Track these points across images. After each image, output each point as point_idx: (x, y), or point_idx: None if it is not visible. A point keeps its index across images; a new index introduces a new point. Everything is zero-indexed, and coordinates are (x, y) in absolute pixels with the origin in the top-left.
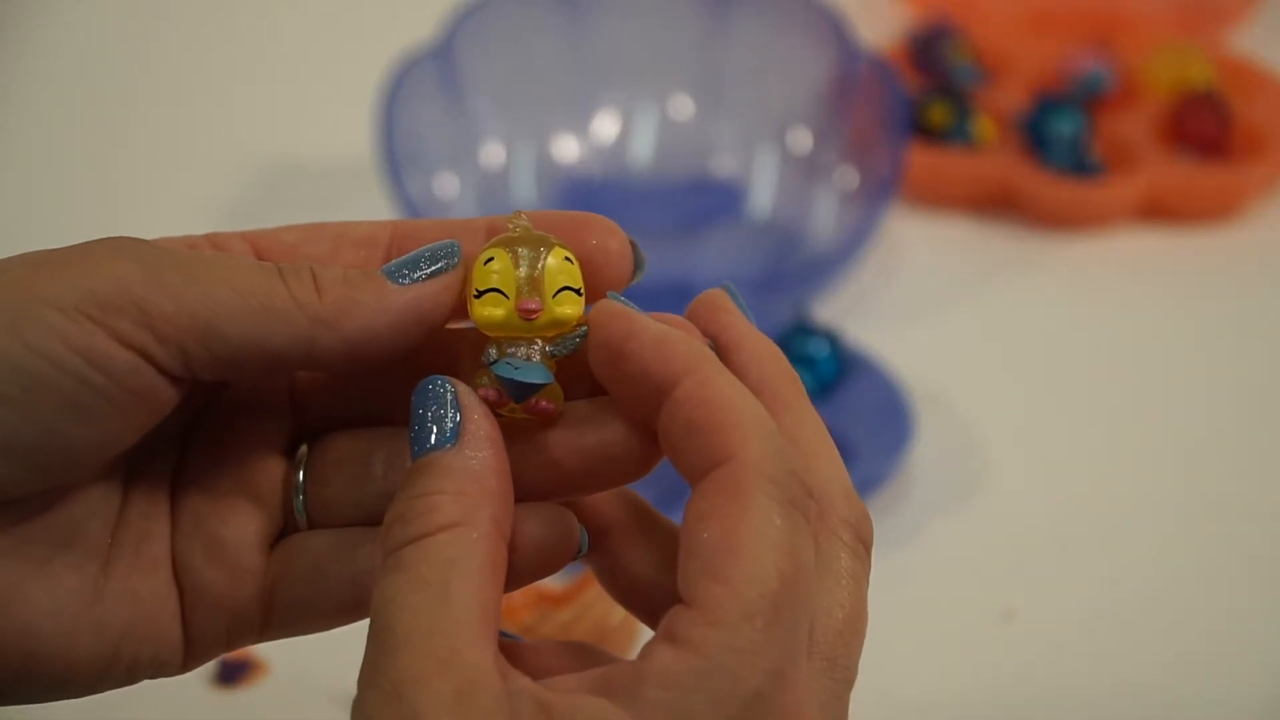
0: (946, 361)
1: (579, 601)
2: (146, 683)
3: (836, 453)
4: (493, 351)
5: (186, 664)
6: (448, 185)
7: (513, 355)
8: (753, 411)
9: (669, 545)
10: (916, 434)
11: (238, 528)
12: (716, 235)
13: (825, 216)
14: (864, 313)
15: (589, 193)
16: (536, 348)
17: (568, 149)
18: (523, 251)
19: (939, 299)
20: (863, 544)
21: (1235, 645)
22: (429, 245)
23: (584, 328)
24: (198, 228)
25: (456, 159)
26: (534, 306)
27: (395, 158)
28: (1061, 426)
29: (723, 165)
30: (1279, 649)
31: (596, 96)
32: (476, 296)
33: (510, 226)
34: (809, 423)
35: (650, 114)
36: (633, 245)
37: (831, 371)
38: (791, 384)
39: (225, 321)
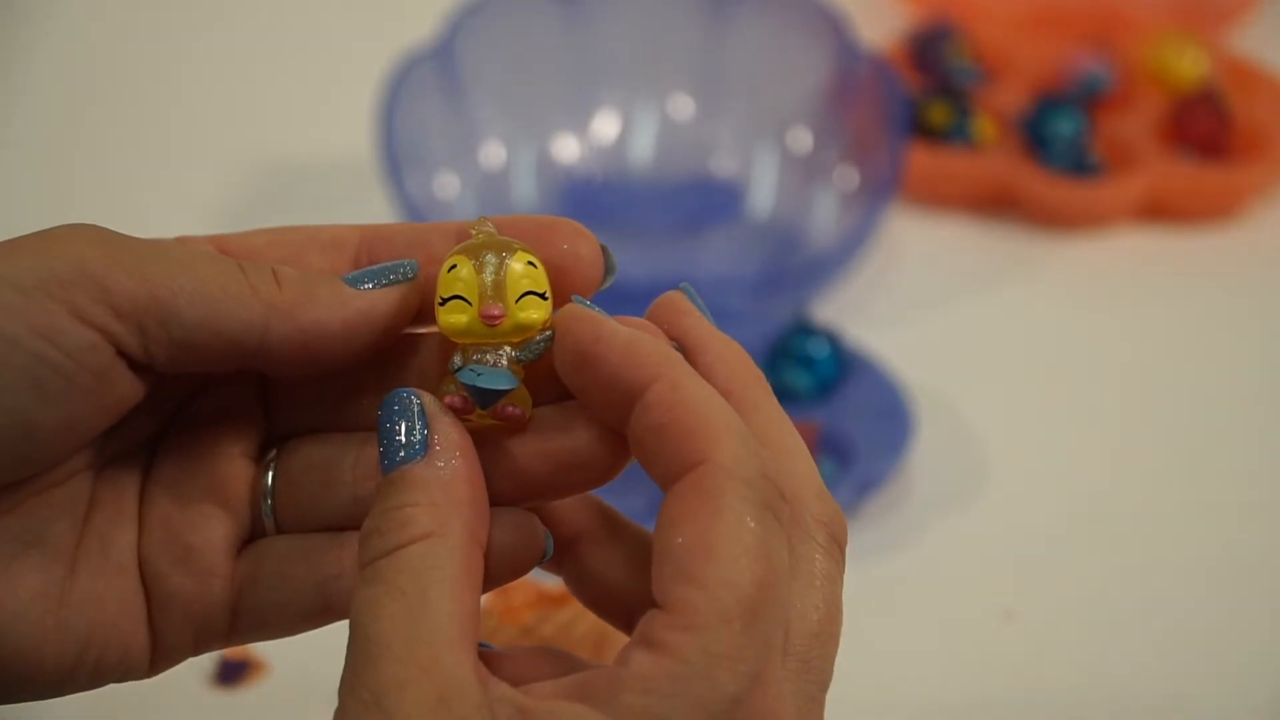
0: (946, 361)
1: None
2: (145, 682)
3: (807, 452)
4: (458, 359)
5: (154, 667)
6: (448, 185)
7: (478, 361)
8: (723, 414)
9: (638, 550)
10: (916, 434)
11: (206, 532)
12: (716, 235)
13: (825, 216)
14: (864, 313)
15: (589, 193)
16: (503, 353)
17: (568, 149)
18: (486, 257)
19: (939, 299)
20: (836, 544)
21: (1236, 645)
22: (389, 262)
23: (549, 332)
24: (197, 228)
25: (456, 159)
26: (496, 312)
27: (395, 158)
28: (1061, 426)
29: (722, 165)
30: (1279, 651)
31: (596, 96)
32: (441, 304)
33: (474, 233)
34: (778, 422)
35: (650, 114)
36: (604, 250)
37: (831, 371)
38: (758, 384)
39: (183, 300)
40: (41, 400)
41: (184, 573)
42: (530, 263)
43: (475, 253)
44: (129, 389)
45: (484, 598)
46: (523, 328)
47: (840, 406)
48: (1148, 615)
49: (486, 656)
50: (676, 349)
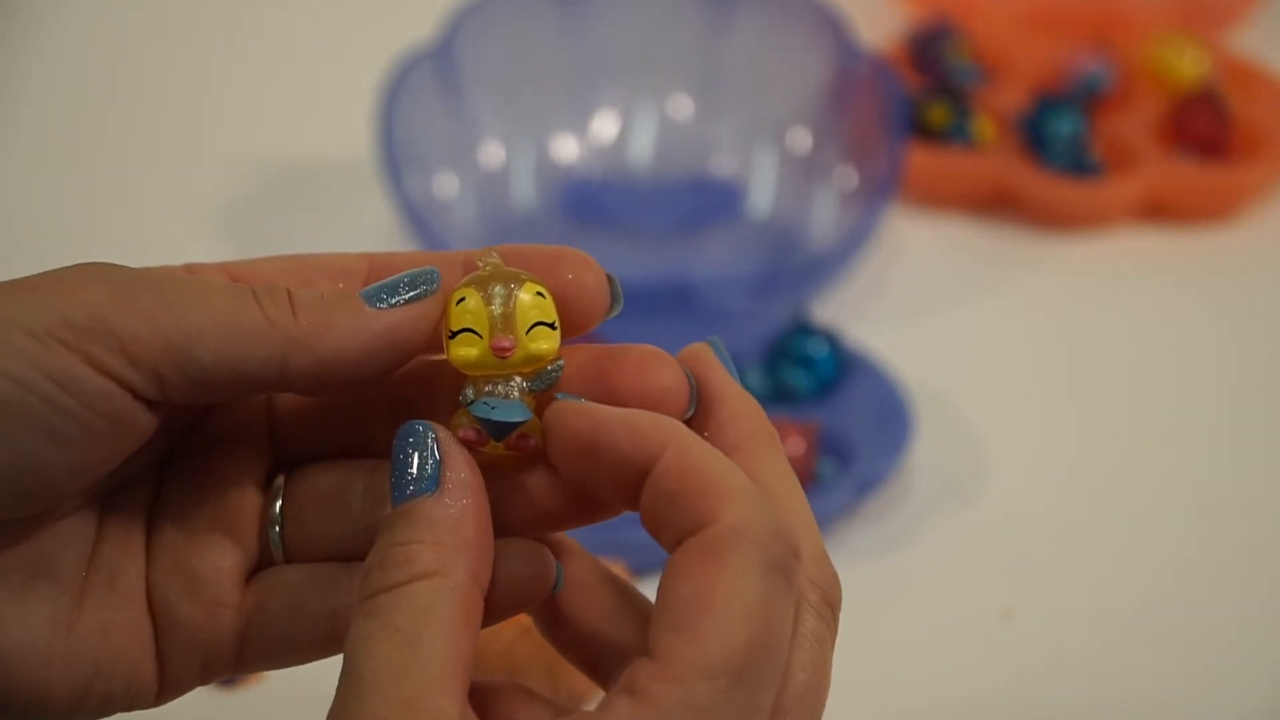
0: (946, 361)
1: None
2: None
3: (810, 513)
4: (470, 391)
5: (160, 697)
6: (447, 185)
7: (490, 394)
8: (735, 477)
9: (614, 600)
10: (916, 434)
11: (214, 562)
12: (716, 235)
13: (825, 216)
14: (864, 313)
15: (589, 193)
16: (514, 384)
17: (568, 149)
18: (494, 289)
19: (939, 299)
20: (829, 608)
21: (1235, 645)
22: (408, 271)
23: (560, 361)
24: (198, 228)
25: (456, 159)
26: (507, 344)
27: (395, 158)
28: (1061, 426)
29: (722, 165)
30: (1279, 650)
31: (596, 96)
32: (451, 337)
33: (481, 264)
34: (786, 480)
35: (650, 114)
36: (610, 279)
37: (831, 371)
38: (770, 441)
39: (198, 343)
40: (55, 444)
41: (192, 602)
42: (539, 293)
43: (483, 285)
44: (143, 427)
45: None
46: (534, 358)
47: (840, 406)
48: (1148, 615)
49: (475, 691)
50: (693, 389)
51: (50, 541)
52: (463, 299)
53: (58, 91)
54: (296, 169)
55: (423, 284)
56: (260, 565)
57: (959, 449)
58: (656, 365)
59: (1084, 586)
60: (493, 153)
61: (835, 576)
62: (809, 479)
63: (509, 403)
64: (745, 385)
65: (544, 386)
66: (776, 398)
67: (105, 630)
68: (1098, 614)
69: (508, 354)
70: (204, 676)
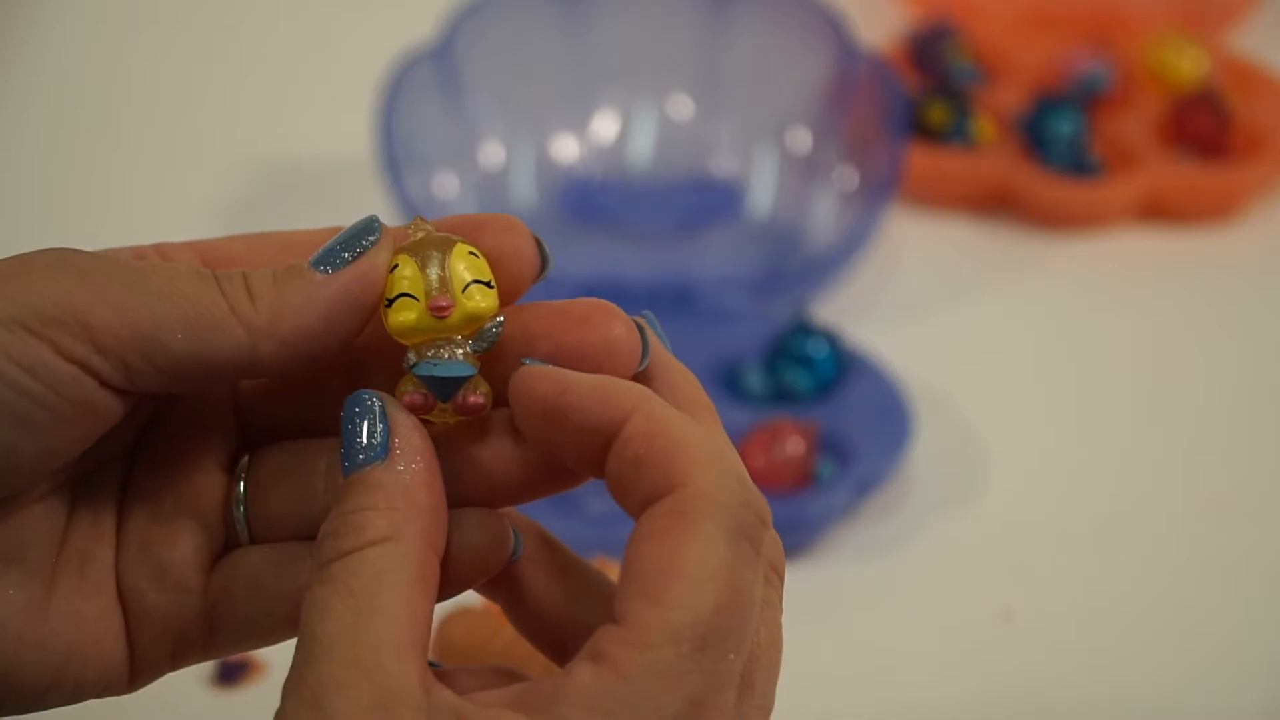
0: (946, 361)
1: None
2: None
3: (753, 482)
4: (412, 356)
5: (132, 684)
6: (447, 185)
7: (434, 356)
8: (703, 442)
9: (576, 580)
10: (916, 434)
11: (181, 547)
12: (716, 235)
13: (824, 216)
14: (864, 313)
15: (588, 193)
16: (456, 344)
17: (567, 149)
18: (428, 254)
19: (939, 299)
20: (775, 573)
21: (1235, 646)
22: (348, 228)
23: (500, 319)
24: (197, 228)
25: (456, 159)
26: (445, 304)
27: (394, 158)
28: (1061, 426)
29: (722, 165)
30: (1279, 650)
31: (596, 96)
32: (388, 305)
33: (411, 232)
34: (729, 450)
35: (649, 114)
36: (538, 242)
37: (831, 371)
38: (709, 412)
39: (166, 334)
40: (24, 430)
41: (160, 589)
42: (472, 253)
43: (416, 251)
44: (111, 412)
45: (481, 601)
46: (473, 317)
47: (840, 406)
48: (1148, 615)
49: (438, 674)
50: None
51: (21, 528)
52: (396, 266)
53: (58, 91)
54: (296, 169)
55: (364, 234)
56: (228, 547)
57: (959, 449)
58: (605, 317)
59: (1084, 587)
60: (493, 153)
61: (778, 542)
62: (809, 479)
63: (453, 360)
64: (745, 385)
65: (486, 346)
66: (776, 398)
67: (76, 618)
68: (1098, 615)
69: (446, 313)
70: (175, 662)
